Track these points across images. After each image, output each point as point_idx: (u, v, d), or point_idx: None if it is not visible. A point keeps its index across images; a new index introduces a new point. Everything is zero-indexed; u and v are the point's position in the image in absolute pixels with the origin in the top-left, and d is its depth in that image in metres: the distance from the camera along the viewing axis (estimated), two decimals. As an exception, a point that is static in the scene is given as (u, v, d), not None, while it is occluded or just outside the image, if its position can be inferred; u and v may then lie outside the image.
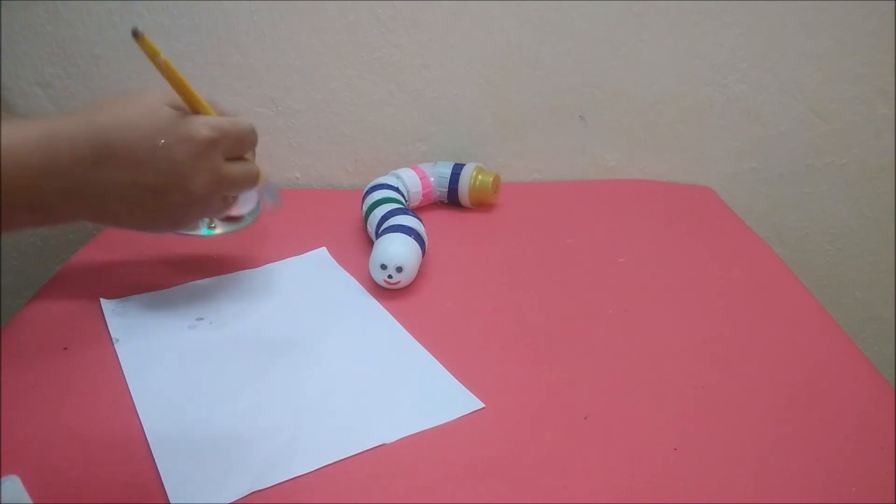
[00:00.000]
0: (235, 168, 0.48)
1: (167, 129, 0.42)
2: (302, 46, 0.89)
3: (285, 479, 0.49)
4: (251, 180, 0.49)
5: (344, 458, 0.51)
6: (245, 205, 0.67)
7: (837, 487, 0.49)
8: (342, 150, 0.97)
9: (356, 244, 0.81)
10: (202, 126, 0.44)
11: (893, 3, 0.88)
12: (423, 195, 0.88)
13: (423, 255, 0.74)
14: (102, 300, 0.69)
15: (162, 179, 0.40)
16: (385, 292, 0.71)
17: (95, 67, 0.90)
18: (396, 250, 0.69)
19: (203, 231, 0.67)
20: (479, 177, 0.88)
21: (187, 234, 0.65)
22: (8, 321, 0.67)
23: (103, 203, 0.41)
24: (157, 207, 0.42)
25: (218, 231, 0.67)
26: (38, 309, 0.68)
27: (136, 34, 0.46)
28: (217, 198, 0.48)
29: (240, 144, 0.48)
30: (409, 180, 0.87)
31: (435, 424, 0.54)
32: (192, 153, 0.42)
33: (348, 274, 0.75)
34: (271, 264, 0.77)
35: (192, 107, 0.52)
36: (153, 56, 0.49)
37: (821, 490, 0.49)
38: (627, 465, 0.51)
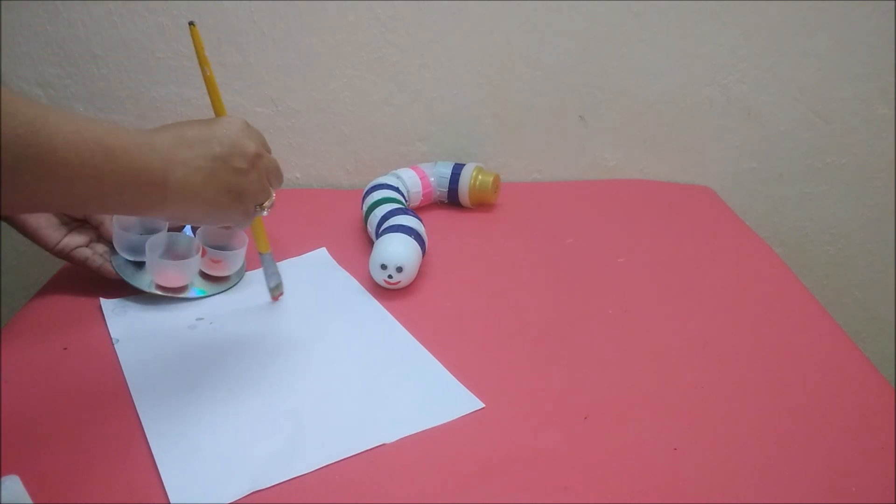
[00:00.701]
0: (272, 157, 0.56)
1: (221, 119, 0.54)
2: (302, 46, 0.89)
3: (285, 479, 0.49)
4: (280, 173, 0.58)
5: (344, 458, 0.51)
6: (232, 267, 0.72)
7: (837, 487, 0.49)
8: (342, 150, 0.97)
9: (356, 244, 0.81)
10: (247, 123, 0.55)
11: (893, 3, 0.88)
12: (423, 195, 0.88)
13: (423, 255, 0.74)
14: (102, 300, 0.69)
15: (224, 148, 0.50)
16: (385, 292, 0.71)
17: (95, 67, 0.90)
18: (396, 250, 0.69)
19: (196, 292, 0.70)
20: (479, 177, 0.88)
21: (181, 297, 0.69)
22: (8, 321, 0.67)
23: (188, 180, 0.48)
24: (226, 176, 0.50)
25: (208, 293, 0.71)
26: (38, 309, 0.68)
27: (191, 23, 0.56)
28: (263, 174, 0.54)
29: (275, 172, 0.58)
30: (409, 180, 0.87)
31: (435, 424, 0.54)
32: (243, 129, 0.52)
33: (348, 274, 0.75)
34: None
35: (214, 106, 0.59)
36: (199, 50, 0.58)
37: (821, 490, 0.49)
38: (627, 465, 0.51)
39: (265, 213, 0.57)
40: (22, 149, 0.37)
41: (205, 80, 0.59)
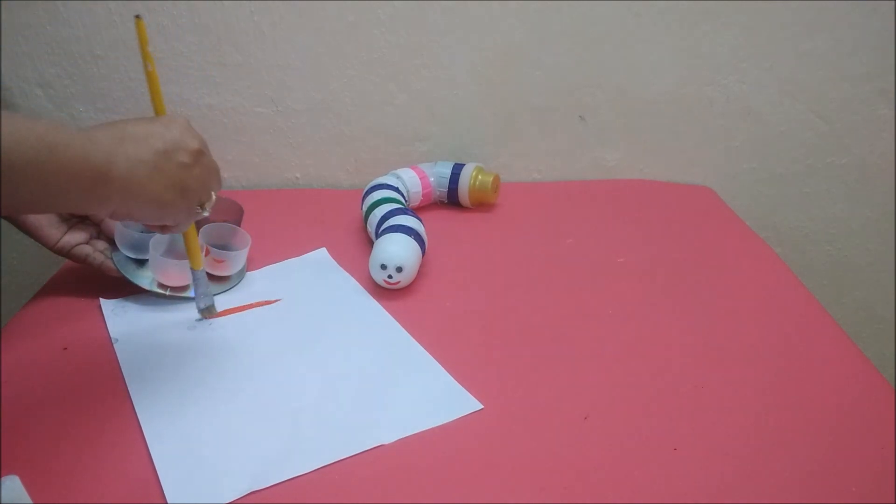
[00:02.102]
0: (212, 158, 0.56)
1: (163, 116, 0.55)
2: (302, 46, 0.89)
3: (283, 480, 0.49)
4: (220, 176, 0.57)
5: (342, 459, 0.51)
6: (234, 267, 0.72)
7: (837, 487, 0.49)
8: (342, 150, 0.97)
9: (356, 244, 0.81)
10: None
11: (893, 3, 0.88)
12: (423, 195, 0.88)
13: (423, 255, 0.74)
14: (102, 300, 0.69)
15: (167, 143, 0.50)
16: (385, 292, 0.71)
17: (95, 67, 0.90)
18: (396, 250, 0.69)
19: (194, 292, 0.69)
20: (479, 177, 0.88)
21: (182, 297, 0.69)
22: (8, 321, 0.67)
23: (132, 174, 0.48)
24: (170, 170, 0.50)
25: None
26: (38, 309, 0.68)
27: (137, 17, 0.56)
28: (205, 171, 0.54)
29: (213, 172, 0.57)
30: (409, 180, 0.87)
31: (433, 425, 0.54)
32: (185, 127, 0.53)
33: (348, 274, 0.75)
34: (272, 265, 0.77)
35: (154, 104, 0.59)
36: (142, 44, 0.57)
37: (821, 490, 0.49)
38: (627, 465, 0.51)
39: (206, 213, 0.56)
40: None
41: (146, 76, 0.58)
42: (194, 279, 0.64)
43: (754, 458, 0.51)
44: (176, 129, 0.52)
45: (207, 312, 0.67)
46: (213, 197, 0.56)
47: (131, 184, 0.48)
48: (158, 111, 0.59)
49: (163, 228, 0.56)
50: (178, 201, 0.52)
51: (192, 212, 0.54)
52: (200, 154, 0.53)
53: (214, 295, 0.70)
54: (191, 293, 0.69)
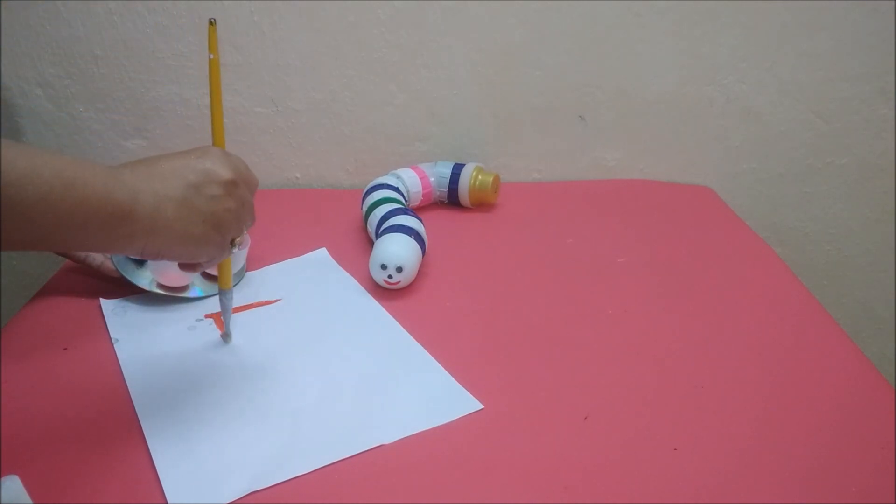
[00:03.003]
0: (248, 193, 0.53)
1: (197, 148, 0.51)
2: (302, 46, 0.89)
3: (283, 480, 0.49)
4: (253, 212, 0.54)
5: (342, 459, 0.51)
6: (233, 267, 0.69)
7: (837, 487, 0.49)
8: (342, 150, 0.97)
9: (356, 244, 0.81)
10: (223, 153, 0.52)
11: (893, 3, 0.88)
12: (423, 195, 0.88)
13: (423, 255, 0.74)
14: (102, 300, 0.69)
15: (198, 175, 0.48)
16: (385, 292, 0.71)
17: (95, 67, 0.90)
18: (396, 250, 0.69)
19: (196, 291, 0.70)
20: (479, 177, 0.88)
21: (182, 297, 0.69)
22: (8, 321, 0.67)
23: (158, 212, 0.46)
24: (200, 203, 0.48)
25: (208, 293, 0.70)
26: (38, 309, 0.68)
27: (211, 21, 0.53)
28: (240, 204, 0.51)
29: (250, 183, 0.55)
30: (409, 180, 0.87)
31: (433, 426, 0.54)
32: (219, 156, 0.50)
33: (348, 274, 0.75)
34: (272, 265, 0.77)
35: (214, 125, 0.56)
36: (211, 49, 0.54)
37: (821, 490, 0.49)
38: (627, 465, 0.51)
39: (237, 250, 0.53)
40: None
41: (210, 87, 0.56)
42: (221, 302, 0.62)
43: (754, 458, 0.51)
44: (209, 160, 0.49)
45: (229, 339, 0.64)
46: (246, 233, 0.54)
47: (157, 222, 0.45)
48: (216, 126, 0.56)
49: (194, 266, 0.53)
50: (210, 236, 0.49)
51: (224, 247, 0.52)
52: (233, 185, 0.50)
53: (214, 295, 0.70)
54: (190, 293, 0.70)
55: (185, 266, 0.53)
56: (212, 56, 0.54)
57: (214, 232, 0.49)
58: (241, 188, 0.51)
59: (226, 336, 0.64)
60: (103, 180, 0.42)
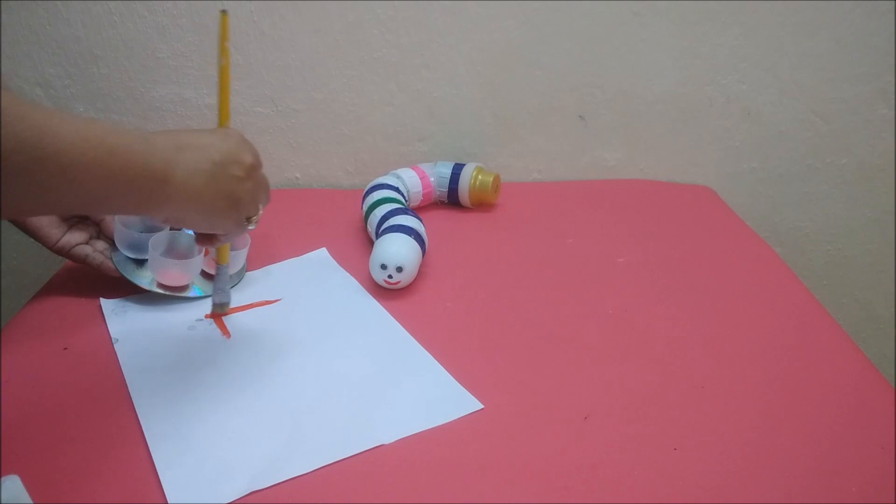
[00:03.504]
0: (264, 174, 0.57)
1: (219, 129, 0.56)
2: (302, 46, 0.89)
3: (283, 480, 0.49)
4: (269, 191, 0.59)
5: (342, 459, 0.51)
6: (234, 267, 0.71)
7: (837, 487, 0.49)
8: (342, 150, 0.97)
9: (356, 244, 0.81)
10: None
11: (893, 3, 0.88)
12: (423, 195, 0.88)
13: (423, 255, 0.74)
14: (102, 300, 0.69)
15: (223, 155, 0.51)
16: (385, 292, 0.71)
17: (95, 67, 0.90)
18: (396, 250, 0.69)
19: (196, 291, 0.70)
20: (479, 177, 0.88)
21: (181, 297, 0.69)
22: (8, 321, 0.67)
23: (189, 181, 0.49)
24: (224, 182, 0.51)
25: (206, 293, 0.70)
26: (38, 309, 0.68)
27: (223, 11, 0.56)
28: (257, 186, 0.55)
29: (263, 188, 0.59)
30: (409, 180, 0.87)
31: (433, 425, 0.54)
32: (240, 140, 0.54)
33: (348, 274, 0.75)
34: (272, 265, 0.77)
35: (220, 106, 0.59)
36: (222, 40, 0.57)
37: (821, 490, 0.49)
38: (627, 465, 0.51)
39: (252, 226, 0.57)
40: (28, 152, 0.37)
41: (218, 72, 0.58)
42: (217, 273, 0.65)
43: (754, 458, 0.51)
44: (232, 142, 0.53)
45: (220, 308, 0.67)
46: (261, 211, 0.58)
47: (187, 191, 0.49)
48: (222, 107, 0.59)
49: (211, 239, 0.57)
50: (229, 212, 0.53)
51: (240, 224, 0.55)
52: (253, 168, 0.54)
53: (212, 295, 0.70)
54: (190, 293, 0.70)
55: (202, 238, 0.57)
56: (226, 43, 0.58)
57: (233, 209, 0.53)
58: (258, 171, 0.56)
59: (218, 307, 0.67)
60: (142, 148, 0.45)
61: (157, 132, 0.50)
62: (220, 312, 0.67)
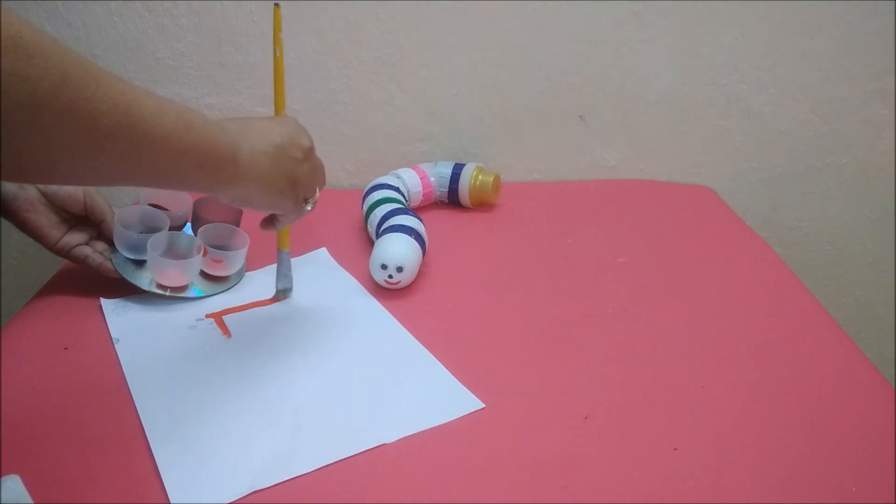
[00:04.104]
0: (318, 157, 0.60)
1: (279, 116, 0.60)
2: (302, 46, 0.89)
3: (285, 479, 0.49)
4: (324, 174, 0.62)
5: (344, 458, 0.51)
6: (233, 267, 0.72)
7: (837, 487, 0.49)
8: (342, 150, 0.97)
9: (356, 244, 0.81)
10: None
11: (893, 3, 0.88)
12: (423, 195, 0.88)
13: (423, 255, 0.74)
14: (102, 300, 0.69)
15: (284, 139, 0.54)
16: (385, 292, 0.71)
17: (95, 67, 0.90)
18: (397, 250, 0.69)
19: (196, 291, 0.70)
20: (479, 177, 0.88)
21: (181, 297, 0.69)
22: (8, 321, 0.67)
23: (255, 162, 0.51)
24: (286, 163, 0.54)
25: (207, 293, 0.71)
26: (38, 309, 0.68)
27: (276, 4, 0.60)
28: (315, 168, 0.59)
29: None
30: (410, 180, 0.87)
31: (435, 425, 0.54)
32: (298, 126, 0.57)
33: (348, 274, 0.75)
34: (272, 265, 0.77)
35: (276, 95, 0.63)
36: (276, 31, 0.61)
37: (821, 490, 0.49)
38: (627, 465, 0.51)
39: (310, 208, 0.59)
40: (119, 117, 0.38)
41: (273, 63, 0.62)
42: (279, 260, 0.69)
43: (754, 458, 0.51)
44: (291, 127, 0.56)
45: (283, 294, 0.70)
46: (317, 194, 0.60)
47: (253, 171, 0.51)
48: (278, 96, 0.63)
49: (272, 220, 0.60)
50: (289, 192, 0.55)
51: (299, 205, 0.58)
52: (311, 152, 0.58)
53: (213, 295, 0.70)
54: (189, 293, 0.70)
55: (265, 223, 0.61)
56: (279, 35, 0.61)
57: (293, 189, 0.56)
58: (314, 155, 0.59)
59: (282, 293, 0.70)
60: (213, 127, 0.47)
61: (225, 119, 0.52)
62: (282, 298, 0.70)
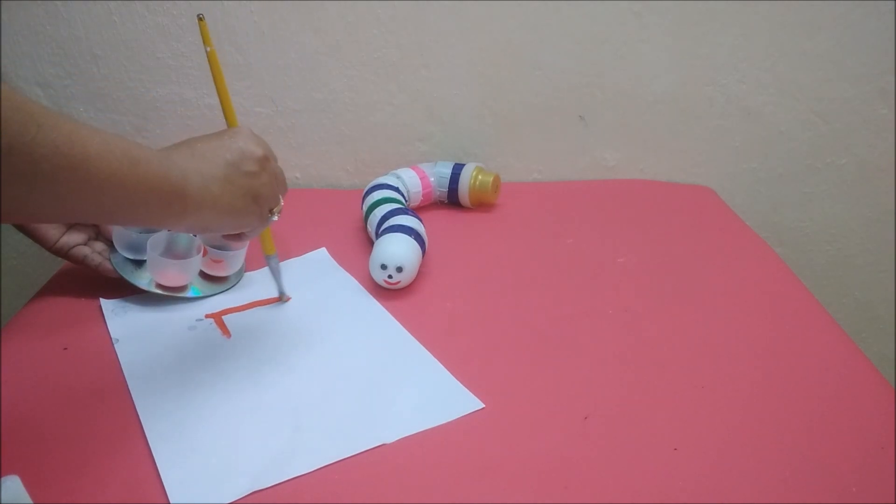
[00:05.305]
0: (277, 164, 0.58)
1: (227, 129, 0.57)
2: (302, 46, 0.89)
3: (285, 479, 0.49)
4: (285, 181, 0.60)
5: (343, 459, 0.51)
6: (232, 267, 0.72)
7: (837, 487, 0.49)
8: (342, 150, 0.97)
9: (356, 244, 0.81)
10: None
11: (893, 3, 0.88)
12: (423, 195, 0.88)
13: (423, 255, 0.74)
14: (102, 300, 0.69)
15: (234, 155, 0.52)
16: (385, 292, 0.71)
17: (95, 67, 0.90)
18: (396, 250, 0.69)
19: (195, 292, 0.70)
20: (479, 177, 0.88)
21: (179, 296, 0.69)
22: (8, 321, 0.67)
23: (206, 189, 0.49)
24: (240, 180, 0.52)
25: (207, 293, 0.71)
26: (38, 309, 0.68)
27: (199, 18, 0.58)
28: (273, 177, 0.56)
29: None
30: (410, 180, 0.87)
31: (435, 425, 0.54)
32: (248, 136, 0.55)
33: (348, 274, 0.75)
34: (271, 264, 0.77)
35: (224, 108, 0.61)
36: (206, 45, 0.59)
37: (821, 490, 0.49)
38: (627, 465, 0.51)
39: (275, 218, 0.58)
40: (60, 159, 0.38)
41: (213, 77, 0.60)
42: (270, 266, 0.68)
43: (754, 458, 0.51)
44: (241, 140, 0.54)
45: (285, 297, 0.70)
46: (282, 202, 0.58)
47: (205, 198, 0.49)
48: (226, 109, 0.62)
49: (239, 237, 0.58)
50: (250, 208, 0.54)
51: (264, 217, 0.56)
52: (266, 160, 0.55)
53: (212, 295, 0.70)
54: (189, 293, 0.70)
55: (231, 237, 0.59)
56: (209, 49, 0.58)
57: (254, 204, 0.54)
58: (272, 163, 0.57)
59: (283, 297, 0.70)
60: (159, 160, 0.46)
61: (173, 146, 0.51)
62: (285, 300, 0.70)
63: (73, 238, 0.67)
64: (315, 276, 0.75)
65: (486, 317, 0.68)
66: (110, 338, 0.64)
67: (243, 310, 0.69)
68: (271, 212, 0.57)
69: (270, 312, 0.69)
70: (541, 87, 0.93)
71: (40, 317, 0.67)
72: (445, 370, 0.60)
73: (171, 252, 0.69)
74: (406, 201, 0.84)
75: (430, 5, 0.87)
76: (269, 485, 0.49)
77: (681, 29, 0.90)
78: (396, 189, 0.83)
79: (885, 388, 0.59)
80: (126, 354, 0.62)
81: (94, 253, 0.68)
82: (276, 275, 0.69)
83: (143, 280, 0.68)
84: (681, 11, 0.88)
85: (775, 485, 0.49)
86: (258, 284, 0.73)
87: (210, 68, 0.59)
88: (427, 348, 0.63)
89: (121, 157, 0.42)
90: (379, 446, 0.52)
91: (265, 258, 0.68)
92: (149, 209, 0.46)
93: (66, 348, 0.63)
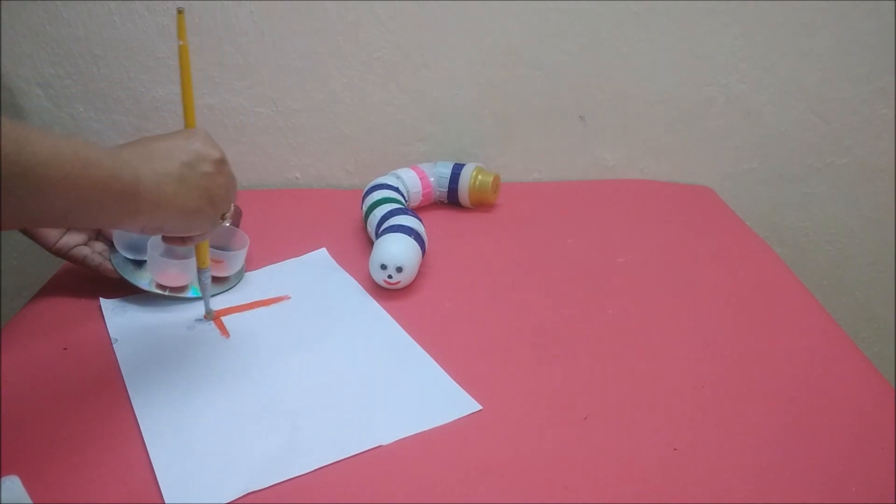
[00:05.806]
0: (230, 167, 0.57)
1: (183, 130, 0.56)
2: (302, 46, 0.89)
3: (281, 480, 0.49)
4: (236, 186, 0.58)
5: (341, 459, 0.51)
6: (233, 267, 0.72)
7: (837, 487, 0.49)
8: (342, 150, 0.97)
9: (356, 244, 0.81)
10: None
11: (893, 3, 0.88)
12: (423, 195, 0.88)
13: (423, 255, 0.74)
14: (102, 300, 0.69)
15: (191, 155, 0.51)
16: (385, 292, 0.71)
17: (95, 67, 0.90)
18: (396, 250, 0.69)
19: (195, 292, 0.70)
20: (479, 177, 0.88)
21: (180, 297, 0.69)
22: (8, 321, 0.67)
23: (160, 189, 0.49)
24: (196, 180, 0.51)
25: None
26: (38, 309, 0.68)
27: (179, 10, 0.57)
28: (229, 179, 0.55)
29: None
30: (409, 180, 0.87)
31: (432, 426, 0.54)
32: (205, 137, 0.54)
33: (348, 274, 0.75)
34: (272, 265, 0.77)
35: (185, 107, 0.59)
36: (180, 38, 0.58)
37: (821, 490, 0.49)
38: (627, 465, 0.51)
39: (227, 224, 0.57)
40: (8, 167, 0.38)
41: (180, 71, 0.59)
42: (201, 280, 0.64)
43: (754, 458, 0.51)
44: (197, 141, 0.53)
45: (211, 315, 0.67)
46: (232, 207, 0.57)
47: (159, 198, 0.49)
48: (187, 108, 0.59)
49: (185, 241, 0.56)
50: (204, 209, 0.53)
51: (215, 221, 0.55)
52: (222, 163, 0.54)
53: (214, 295, 0.70)
54: (189, 294, 0.70)
55: (175, 240, 0.56)
56: (181, 43, 0.57)
57: (209, 206, 0.53)
58: (227, 166, 0.55)
59: (208, 314, 0.67)
60: (111, 161, 0.46)
61: (124, 144, 0.50)
62: (210, 318, 0.67)
63: (73, 238, 0.67)
64: (315, 276, 0.75)
65: (485, 317, 0.68)
66: (110, 338, 0.64)
67: (243, 310, 0.69)
68: (223, 217, 0.56)
69: (270, 313, 0.69)
70: (541, 88, 0.93)
71: (40, 317, 0.67)
72: (444, 372, 0.60)
73: (171, 252, 0.69)
74: (406, 201, 0.84)
75: (430, 5, 0.87)
76: (266, 485, 0.49)
77: (681, 29, 0.89)
78: (396, 189, 0.83)
79: (885, 388, 0.59)
80: (125, 354, 0.62)
81: (94, 253, 0.68)
82: (205, 291, 0.65)
83: (144, 280, 0.68)
84: (681, 11, 0.88)
85: (775, 484, 0.49)
86: (258, 285, 0.73)
87: (179, 63, 0.58)
88: (426, 349, 0.63)
89: (72, 160, 0.42)
90: (376, 447, 0.52)
91: (197, 272, 0.63)
92: (103, 209, 0.46)
93: (66, 348, 0.63)
